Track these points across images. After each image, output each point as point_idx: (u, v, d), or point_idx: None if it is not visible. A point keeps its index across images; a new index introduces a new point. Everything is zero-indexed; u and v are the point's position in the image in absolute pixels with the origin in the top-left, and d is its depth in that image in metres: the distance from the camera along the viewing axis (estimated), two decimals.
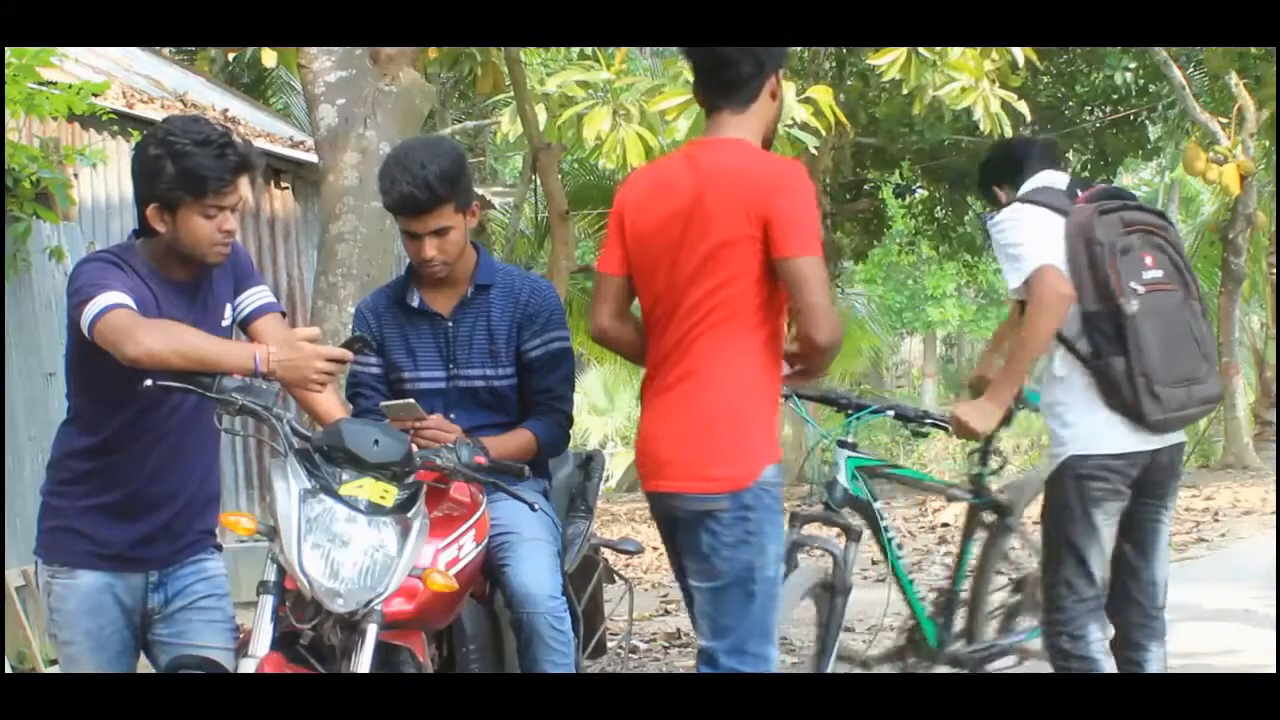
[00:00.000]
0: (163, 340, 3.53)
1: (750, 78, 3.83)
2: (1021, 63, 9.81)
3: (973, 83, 9.21)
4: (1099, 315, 4.24)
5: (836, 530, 4.59)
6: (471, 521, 3.91)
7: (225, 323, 3.86)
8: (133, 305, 3.58)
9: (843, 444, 4.73)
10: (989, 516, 5.16)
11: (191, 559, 3.86)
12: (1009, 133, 10.00)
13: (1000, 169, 4.80)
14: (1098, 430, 4.26)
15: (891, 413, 4.78)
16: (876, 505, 4.66)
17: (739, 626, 3.71)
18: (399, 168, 4.10)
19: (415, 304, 4.30)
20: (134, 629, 3.82)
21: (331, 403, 3.97)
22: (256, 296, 3.89)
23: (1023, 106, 9.81)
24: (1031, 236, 4.28)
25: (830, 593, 4.42)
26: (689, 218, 3.74)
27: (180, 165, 3.60)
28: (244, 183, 3.73)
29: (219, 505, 3.98)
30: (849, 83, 15.29)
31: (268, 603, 3.55)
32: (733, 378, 3.71)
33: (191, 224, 3.65)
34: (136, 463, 3.75)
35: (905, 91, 8.64)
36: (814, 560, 4.61)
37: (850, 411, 4.87)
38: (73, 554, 3.78)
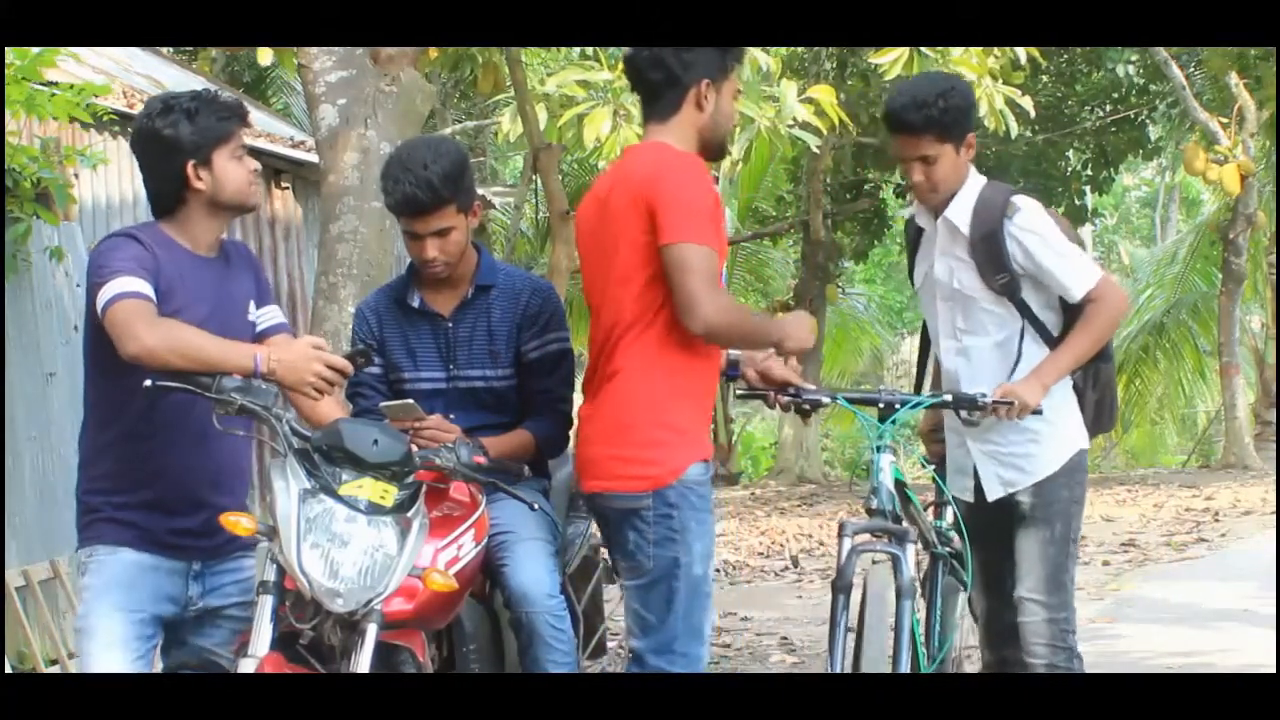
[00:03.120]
0: (163, 340, 3.53)
1: (664, 88, 3.85)
2: (1024, 60, 9.81)
3: (976, 79, 9.20)
4: None
5: (887, 537, 4.36)
6: (471, 521, 3.91)
7: (250, 317, 3.89)
8: (147, 293, 3.60)
9: (881, 449, 4.26)
10: (945, 576, 4.69)
11: (232, 555, 3.84)
12: (1014, 129, 9.99)
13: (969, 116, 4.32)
14: (1081, 427, 4.38)
15: (949, 396, 4.30)
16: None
17: (664, 625, 3.79)
18: (401, 168, 4.11)
19: (416, 304, 4.30)
20: (159, 621, 3.77)
21: (330, 409, 3.97)
22: (272, 315, 3.95)
23: (1027, 102, 9.80)
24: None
25: (894, 598, 4.12)
26: (603, 220, 3.85)
27: (197, 121, 3.75)
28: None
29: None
30: (850, 82, 15.28)
31: (268, 603, 3.55)
32: (655, 377, 3.79)
33: (228, 168, 3.78)
34: (164, 451, 3.74)
35: None
36: (877, 565, 4.27)
37: (893, 410, 4.27)
38: (118, 535, 3.74)
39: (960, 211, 4.30)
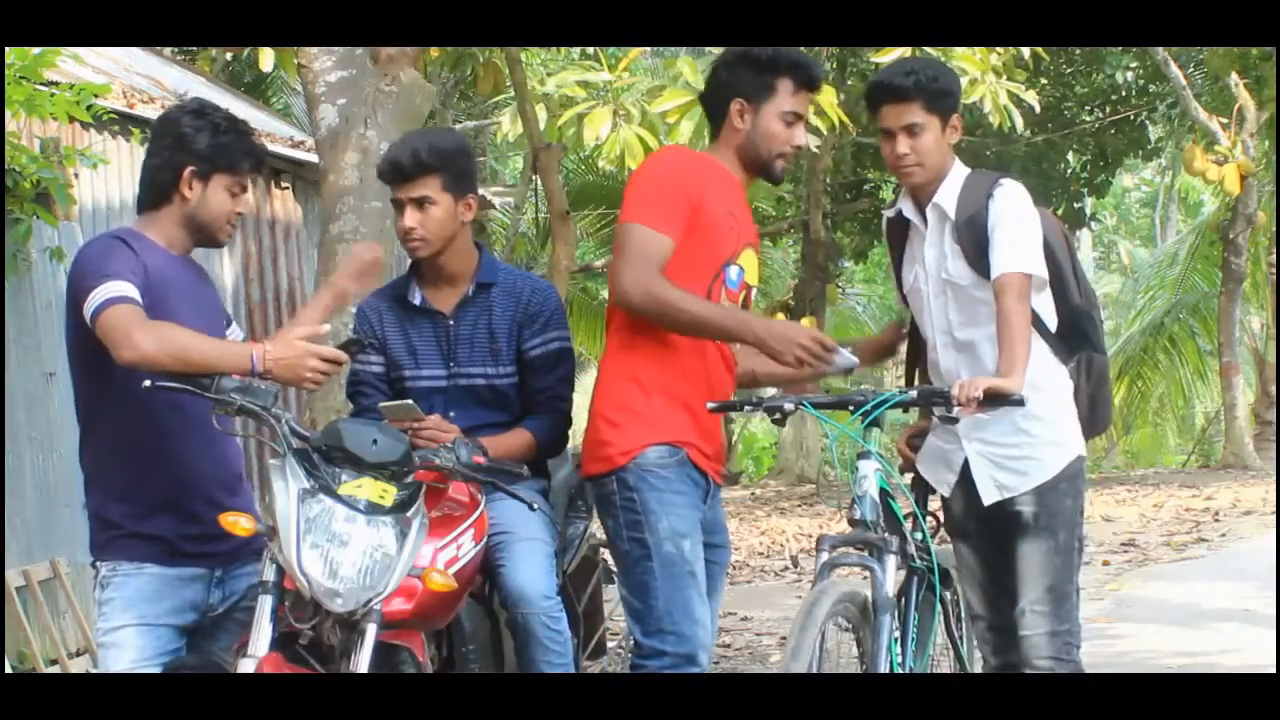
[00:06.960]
0: (158, 344, 3.53)
1: (711, 107, 4.11)
2: (1026, 56, 9.79)
3: (979, 76, 9.16)
4: (1084, 312, 4.25)
5: (867, 549, 3.99)
6: (470, 521, 3.91)
7: (224, 325, 3.90)
8: (136, 297, 3.59)
9: (863, 455, 3.98)
10: (919, 589, 4.38)
11: (250, 559, 3.82)
12: (1019, 126, 9.95)
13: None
14: (1079, 434, 4.27)
15: (915, 393, 4.02)
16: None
17: (649, 607, 3.91)
18: (398, 143, 4.30)
19: (417, 302, 4.30)
20: (182, 632, 3.77)
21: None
22: (235, 334, 3.99)
23: (1031, 97, 9.76)
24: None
25: (871, 612, 3.93)
26: None
27: (220, 140, 3.79)
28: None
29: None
30: (849, 83, 15.29)
31: (267, 603, 3.55)
32: (620, 365, 4.01)
33: (219, 197, 3.81)
34: (172, 455, 3.73)
35: None
36: (847, 577, 4.08)
37: (867, 412, 4.01)
38: (143, 551, 3.74)
39: (947, 196, 4.20)
